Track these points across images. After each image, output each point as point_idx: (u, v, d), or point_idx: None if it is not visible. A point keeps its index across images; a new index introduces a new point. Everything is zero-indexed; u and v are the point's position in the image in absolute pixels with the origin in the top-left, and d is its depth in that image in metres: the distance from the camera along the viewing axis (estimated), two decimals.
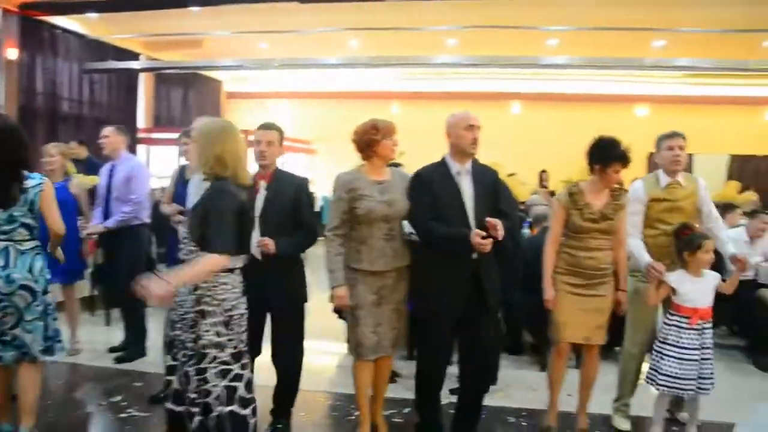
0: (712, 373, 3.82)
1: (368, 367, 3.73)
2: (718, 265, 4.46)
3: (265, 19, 11.12)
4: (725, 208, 7.04)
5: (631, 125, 15.75)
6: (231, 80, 17.19)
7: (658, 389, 3.87)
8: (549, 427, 4.01)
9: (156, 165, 12.80)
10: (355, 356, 3.70)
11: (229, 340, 3.05)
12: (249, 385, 3.13)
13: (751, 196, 11.82)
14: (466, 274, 3.58)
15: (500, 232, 3.42)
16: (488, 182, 3.74)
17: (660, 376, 3.81)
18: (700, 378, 3.77)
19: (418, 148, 11.29)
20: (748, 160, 15.63)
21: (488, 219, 3.44)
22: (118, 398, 4.41)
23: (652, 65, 12.26)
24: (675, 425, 4.16)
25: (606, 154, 3.78)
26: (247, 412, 3.08)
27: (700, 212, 4.16)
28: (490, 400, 4.43)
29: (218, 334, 3.04)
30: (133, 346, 5.33)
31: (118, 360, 5.21)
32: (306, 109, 16.29)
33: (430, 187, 3.63)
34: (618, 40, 11.49)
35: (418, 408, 3.88)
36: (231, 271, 3.06)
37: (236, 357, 3.08)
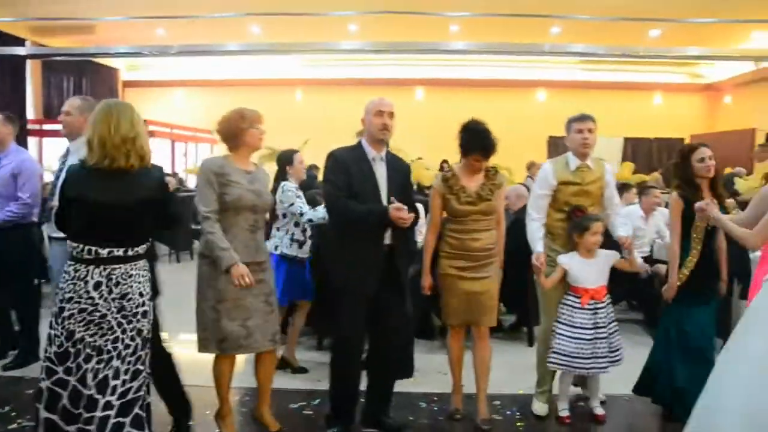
0: (612, 351, 3.89)
1: (231, 362, 3.61)
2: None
3: (162, 4, 10.70)
4: (621, 188, 7.31)
5: (532, 109, 16.32)
6: (128, 68, 16.52)
7: (551, 367, 3.95)
8: (456, 410, 4.02)
9: (48, 158, 12.14)
10: (218, 351, 3.51)
11: (56, 335, 2.87)
12: (78, 401, 2.84)
13: (644, 177, 12.42)
14: (380, 256, 3.56)
15: (404, 220, 3.44)
16: (402, 173, 3.75)
17: (554, 355, 3.88)
18: (595, 357, 3.82)
19: (323, 134, 11.19)
20: (640, 143, 16.40)
21: (393, 200, 3.47)
22: (6, 408, 4.09)
23: (550, 51, 12.57)
24: (584, 401, 4.25)
25: (467, 145, 3.79)
26: (70, 429, 2.82)
27: (603, 197, 4.11)
28: (400, 385, 4.44)
29: (50, 325, 2.90)
30: (25, 350, 4.99)
31: (5, 368, 4.86)
32: (207, 97, 15.80)
33: (346, 168, 3.57)
34: (518, 27, 11.74)
35: (333, 398, 3.76)
36: (76, 260, 2.92)
37: (61, 358, 2.86)
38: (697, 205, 3.68)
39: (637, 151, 16.49)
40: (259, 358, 3.70)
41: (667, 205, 6.58)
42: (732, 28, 12.20)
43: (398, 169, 3.74)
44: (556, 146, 16.17)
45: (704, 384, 3.16)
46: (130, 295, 2.95)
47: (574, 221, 3.91)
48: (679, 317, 3.90)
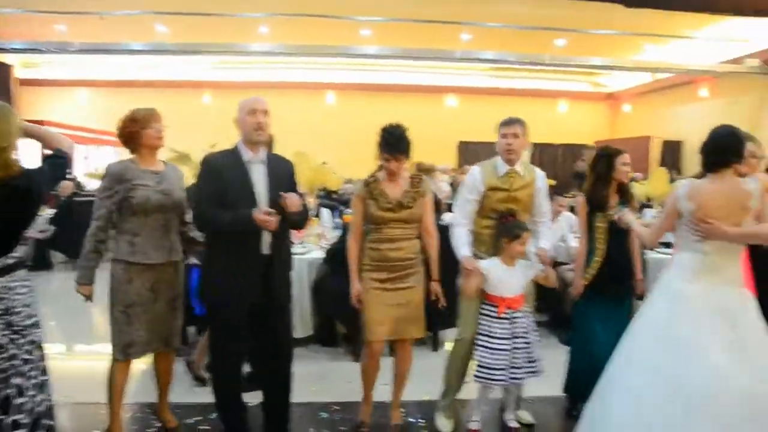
0: (531, 362, 3.82)
1: (127, 371, 3.58)
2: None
3: None
4: None
5: (442, 115, 16.55)
6: (23, 65, 15.68)
7: (474, 380, 3.84)
8: (362, 423, 3.94)
9: None
10: (122, 357, 3.47)
11: None
12: None
13: (551, 182, 12.75)
14: (258, 268, 3.38)
15: (294, 206, 3.30)
16: (283, 174, 3.54)
17: (478, 369, 3.78)
18: (513, 368, 3.76)
19: (233, 138, 10.86)
20: (546, 148, 16.87)
21: (282, 193, 3.31)
22: None
23: (460, 57, 12.77)
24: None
25: (379, 145, 3.71)
26: None
27: (533, 204, 4.03)
28: (301, 396, 4.34)
29: None
30: None
31: None
32: (112, 98, 15.20)
33: (219, 174, 3.38)
34: (429, 33, 11.84)
35: (219, 410, 3.62)
36: None
37: None
38: (615, 217, 3.89)
39: (544, 156, 16.97)
40: (158, 356, 3.74)
41: (572, 210, 6.80)
42: (628, 40, 12.74)
43: (280, 170, 3.53)
44: (466, 151, 16.47)
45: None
46: (15, 309, 2.79)
47: (505, 226, 3.81)
48: (589, 316, 4.05)
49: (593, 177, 4.11)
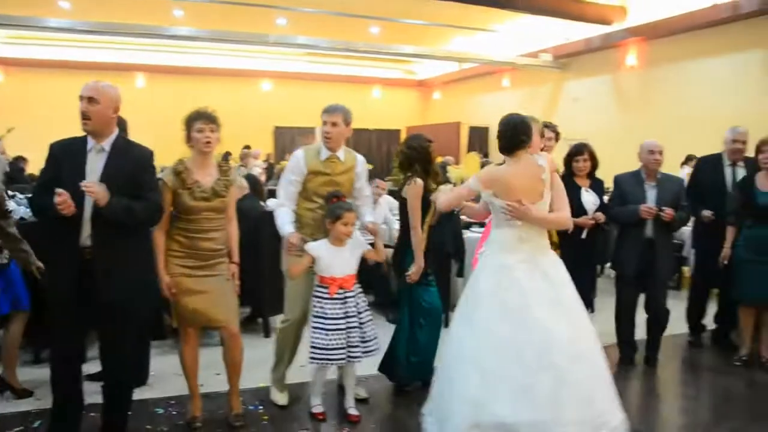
0: (365, 341, 3.90)
1: None
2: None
3: None
4: None
5: (257, 100, 16.35)
6: None
7: (310, 362, 3.86)
8: (194, 418, 3.81)
9: None
10: None
11: None
12: None
13: (368, 166, 13.16)
14: (75, 260, 3.17)
15: (93, 194, 3.06)
16: (132, 162, 3.33)
17: (312, 350, 3.80)
18: (349, 347, 3.80)
19: (33, 121, 10.09)
20: (361, 133, 17.26)
21: (82, 183, 3.08)
22: None
23: (274, 42, 12.64)
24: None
25: (189, 119, 3.61)
26: None
27: (353, 188, 4.17)
28: (136, 393, 4.15)
29: None
30: None
31: None
32: None
33: (57, 162, 3.19)
34: (243, 16, 11.63)
35: (53, 407, 3.39)
36: None
37: None
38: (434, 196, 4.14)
39: (358, 141, 17.34)
40: None
41: (390, 194, 7.04)
42: (438, 30, 13.36)
43: (127, 158, 3.30)
44: (281, 136, 16.42)
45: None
46: None
47: (330, 207, 3.86)
48: (417, 295, 4.26)
49: (419, 163, 4.25)
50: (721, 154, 5.44)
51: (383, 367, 4.41)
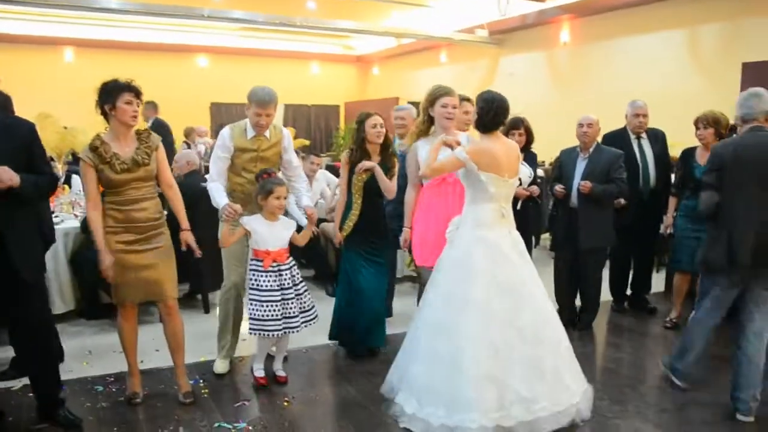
0: (305, 311, 4.02)
1: None
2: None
3: None
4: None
5: (193, 75, 16.04)
6: None
7: (250, 333, 3.94)
8: (135, 394, 3.81)
9: None
10: None
11: None
12: None
13: (305, 142, 13.23)
14: None
15: (12, 182, 3.01)
16: (16, 138, 3.22)
17: (250, 321, 3.90)
18: (286, 317, 3.91)
19: None
20: (299, 109, 17.20)
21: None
22: None
23: (208, 16, 12.37)
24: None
25: (110, 92, 3.51)
26: None
27: (281, 159, 4.28)
28: (73, 372, 4.17)
29: None
30: None
31: None
32: None
33: None
34: None
35: None
36: None
37: None
38: (359, 165, 4.31)
39: (297, 116, 17.27)
40: None
41: (328, 169, 7.11)
42: (376, 5, 13.33)
43: (11, 134, 3.18)
44: (219, 112, 16.18)
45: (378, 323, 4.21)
46: None
47: (260, 183, 3.95)
48: (351, 266, 4.43)
49: (353, 138, 4.43)
50: (625, 128, 5.66)
51: (333, 335, 4.63)
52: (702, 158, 5.09)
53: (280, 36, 15.95)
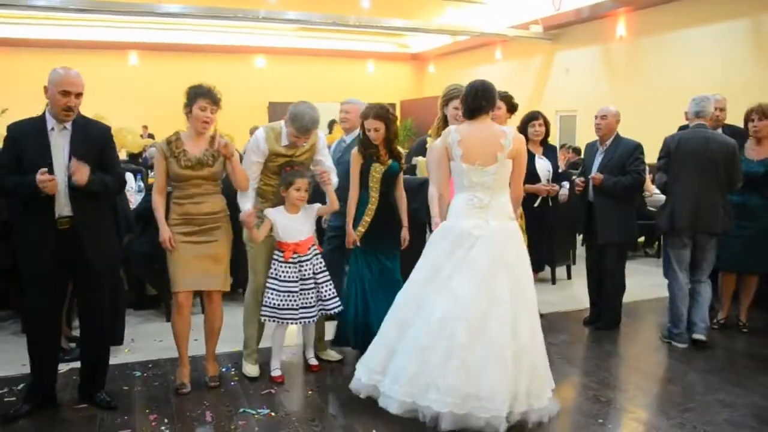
0: (326, 300, 4.11)
1: None
2: None
3: None
4: None
5: (250, 76, 16.40)
6: None
7: (262, 320, 4.09)
8: (183, 384, 3.96)
9: None
10: None
11: None
12: None
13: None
14: (51, 231, 3.37)
15: (80, 177, 3.29)
16: (95, 140, 3.52)
17: (264, 308, 4.03)
18: (304, 307, 4.03)
19: (25, 101, 10.12)
20: None
21: (72, 163, 3.30)
22: None
23: (264, 17, 12.67)
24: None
25: (191, 96, 3.77)
26: None
27: (313, 160, 4.23)
28: (115, 358, 4.34)
29: None
30: None
31: None
32: None
33: (18, 142, 3.35)
34: None
35: (32, 377, 3.64)
36: None
37: None
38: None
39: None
40: None
41: None
42: (431, 3, 13.36)
43: (89, 136, 3.50)
44: (276, 112, 16.47)
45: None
46: None
47: (282, 176, 4.03)
48: (364, 264, 4.29)
49: (361, 133, 4.33)
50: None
51: (337, 341, 4.51)
52: (752, 152, 4.94)
53: (335, 35, 16.17)
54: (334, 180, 4.24)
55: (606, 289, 5.13)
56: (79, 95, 3.40)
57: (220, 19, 13.50)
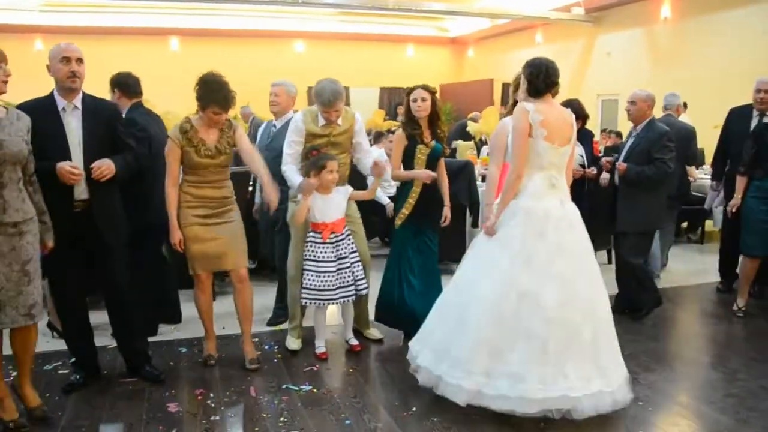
0: (358, 281, 4.16)
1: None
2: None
3: None
4: (378, 136, 7.95)
5: (290, 60, 16.43)
6: None
7: (303, 303, 4.15)
8: (210, 356, 4.10)
9: None
10: None
11: None
12: None
13: (394, 124, 13.37)
14: (69, 215, 3.42)
15: (103, 172, 3.36)
16: (105, 120, 3.56)
17: (304, 291, 4.09)
18: (342, 287, 4.09)
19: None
20: (395, 92, 17.30)
21: (93, 165, 3.35)
22: None
23: (303, 2, 12.71)
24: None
25: (205, 97, 3.80)
26: None
27: (351, 143, 4.32)
28: (163, 335, 4.56)
29: None
30: None
31: None
32: None
33: (32, 123, 3.28)
34: None
35: (72, 353, 3.82)
36: None
37: None
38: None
39: (392, 100, 17.41)
40: (15, 331, 3.22)
41: None
42: None
43: (100, 115, 3.53)
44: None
45: (432, 304, 3.71)
46: None
47: (311, 160, 4.07)
48: (406, 244, 4.36)
49: (404, 114, 4.38)
50: (751, 105, 5.38)
51: (378, 317, 4.57)
52: None
53: (374, 20, 16.11)
54: (388, 171, 4.29)
55: (623, 279, 5.01)
56: (79, 60, 3.41)
57: (259, 4, 13.58)
